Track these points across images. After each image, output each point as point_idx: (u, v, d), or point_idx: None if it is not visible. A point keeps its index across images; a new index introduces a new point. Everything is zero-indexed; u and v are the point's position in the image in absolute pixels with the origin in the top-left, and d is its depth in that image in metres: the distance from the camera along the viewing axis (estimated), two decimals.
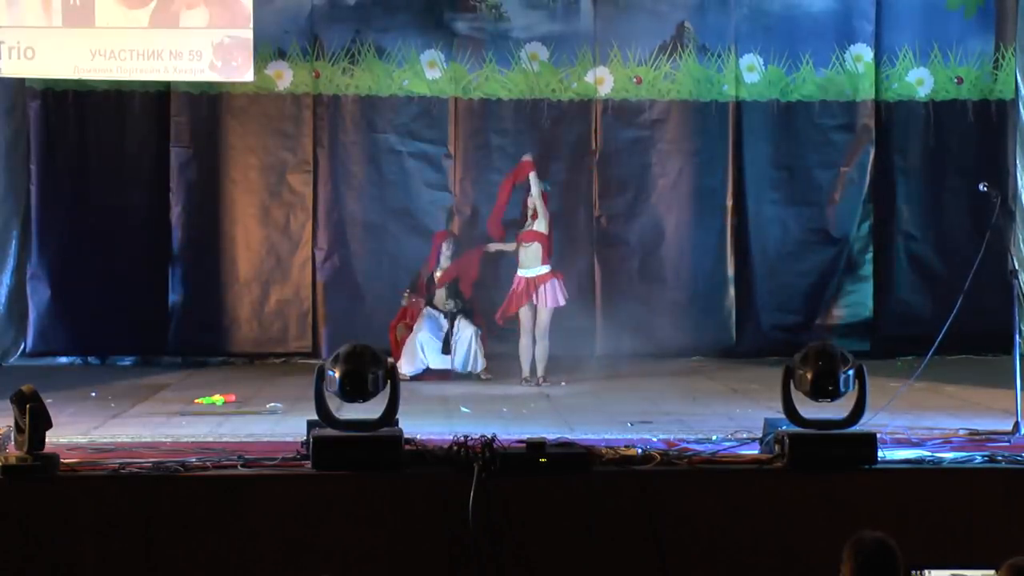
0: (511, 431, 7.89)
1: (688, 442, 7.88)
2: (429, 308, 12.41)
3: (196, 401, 10.58)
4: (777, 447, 7.13)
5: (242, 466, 7.07)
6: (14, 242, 13.46)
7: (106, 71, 12.20)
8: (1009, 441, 8.05)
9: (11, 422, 6.92)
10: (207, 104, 13.55)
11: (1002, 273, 9.30)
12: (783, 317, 13.88)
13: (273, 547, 6.77)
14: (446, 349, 12.27)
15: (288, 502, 6.85)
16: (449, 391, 11.41)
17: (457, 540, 6.72)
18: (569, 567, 6.84)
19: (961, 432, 8.41)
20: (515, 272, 12.11)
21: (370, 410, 7.15)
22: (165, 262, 13.57)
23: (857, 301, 13.93)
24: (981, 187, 11.09)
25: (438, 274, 12.50)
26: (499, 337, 12.56)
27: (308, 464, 7.01)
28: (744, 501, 6.96)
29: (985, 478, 7.17)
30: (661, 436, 8.30)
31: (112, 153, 13.57)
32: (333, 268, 13.67)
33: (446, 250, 12.56)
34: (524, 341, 12.01)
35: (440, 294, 12.47)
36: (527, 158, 12.39)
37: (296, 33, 13.59)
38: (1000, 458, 7.37)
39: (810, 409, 7.20)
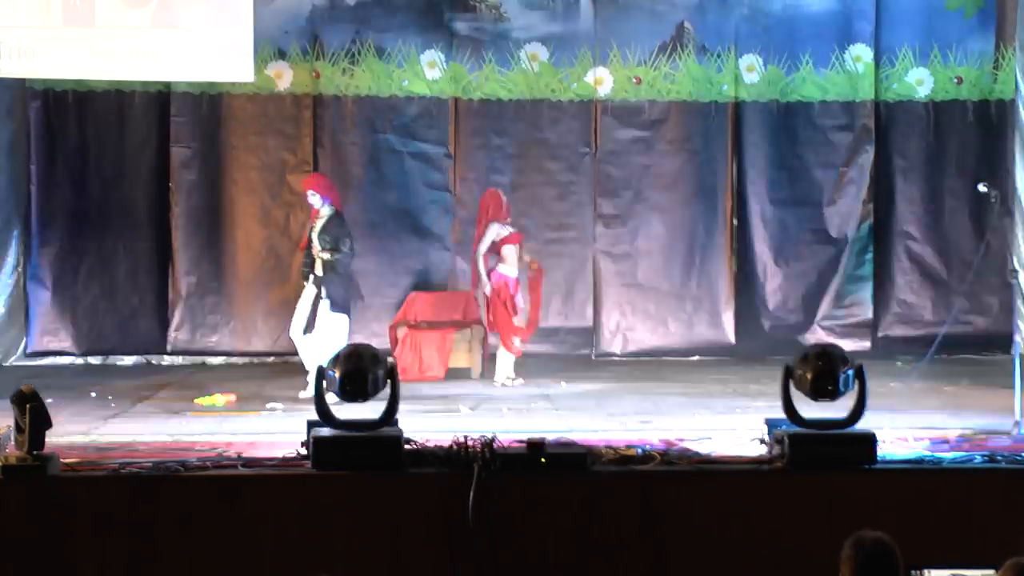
0: (511, 431, 7.88)
1: (688, 442, 7.88)
2: None
3: (196, 401, 10.59)
4: (777, 447, 7.13)
5: (242, 466, 7.07)
6: (14, 242, 13.46)
7: (106, 71, 12.19)
8: (1009, 441, 8.05)
9: (11, 422, 6.92)
10: (207, 104, 13.54)
11: (1002, 273, 9.29)
12: (783, 317, 13.87)
13: (273, 547, 6.76)
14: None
15: (288, 502, 6.85)
16: (449, 391, 11.41)
17: (457, 540, 6.72)
18: (569, 567, 6.84)
19: (961, 432, 8.41)
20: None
21: (370, 410, 7.15)
22: (165, 262, 13.57)
23: (857, 301, 13.92)
24: (981, 187, 11.11)
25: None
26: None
27: (308, 464, 7.01)
28: (744, 501, 6.95)
29: (985, 478, 7.17)
30: (661, 436, 8.30)
31: (112, 153, 13.56)
32: None
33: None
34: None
35: None
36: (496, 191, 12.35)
37: (296, 33, 13.57)
38: (1000, 458, 7.36)
39: (810, 409, 7.20)
